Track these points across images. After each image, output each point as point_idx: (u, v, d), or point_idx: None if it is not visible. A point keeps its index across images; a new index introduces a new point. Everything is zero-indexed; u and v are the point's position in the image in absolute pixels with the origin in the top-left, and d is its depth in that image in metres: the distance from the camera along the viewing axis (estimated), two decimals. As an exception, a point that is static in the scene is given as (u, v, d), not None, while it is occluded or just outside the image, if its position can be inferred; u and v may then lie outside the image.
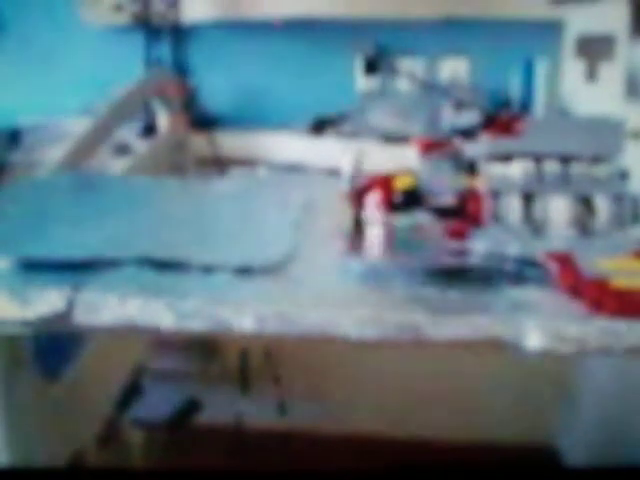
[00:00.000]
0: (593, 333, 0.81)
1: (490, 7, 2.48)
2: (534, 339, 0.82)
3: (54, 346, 1.35)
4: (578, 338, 0.81)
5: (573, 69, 2.04)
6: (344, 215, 1.09)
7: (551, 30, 2.19)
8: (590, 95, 1.94)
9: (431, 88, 2.38)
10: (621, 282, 0.87)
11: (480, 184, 1.10)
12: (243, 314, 0.85)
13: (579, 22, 2.04)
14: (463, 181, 1.11)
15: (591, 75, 1.94)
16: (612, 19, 1.82)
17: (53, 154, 1.81)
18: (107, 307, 0.87)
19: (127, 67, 2.54)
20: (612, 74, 1.84)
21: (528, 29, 2.34)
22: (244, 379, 2.15)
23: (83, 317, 0.87)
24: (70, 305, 0.87)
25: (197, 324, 0.86)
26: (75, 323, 0.88)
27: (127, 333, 1.01)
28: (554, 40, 2.19)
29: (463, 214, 1.08)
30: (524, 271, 0.95)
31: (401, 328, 0.84)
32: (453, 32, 2.48)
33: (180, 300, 0.87)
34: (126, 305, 0.87)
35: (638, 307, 0.83)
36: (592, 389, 1.72)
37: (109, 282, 0.92)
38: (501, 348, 0.83)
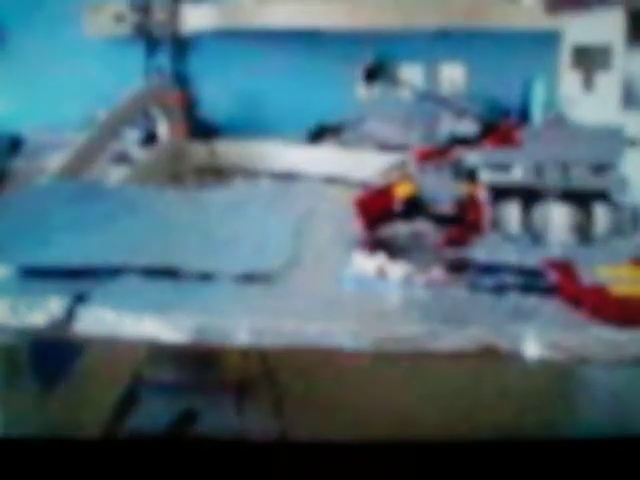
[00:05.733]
0: (593, 342, 0.81)
1: (489, 17, 2.49)
2: (532, 348, 0.81)
3: (51, 355, 1.35)
4: (577, 347, 0.81)
5: (570, 78, 2.05)
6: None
7: (549, 40, 2.21)
8: (587, 104, 1.95)
9: (430, 97, 2.39)
10: (621, 289, 0.87)
11: (479, 192, 1.10)
12: (240, 328, 0.84)
13: (575, 32, 2.05)
14: (463, 189, 1.12)
15: (588, 84, 1.95)
16: (608, 29, 1.83)
17: (54, 162, 1.81)
18: (106, 320, 0.87)
19: (128, 77, 2.54)
20: (608, 84, 1.84)
21: (527, 39, 2.35)
22: (242, 389, 2.14)
23: (81, 330, 0.87)
24: (69, 315, 0.87)
25: (195, 338, 0.85)
26: (73, 334, 0.87)
27: (125, 346, 1.00)
28: (552, 50, 2.20)
29: (463, 222, 1.09)
30: (523, 279, 0.95)
31: (397, 340, 0.83)
32: (452, 42, 2.49)
33: (179, 314, 0.86)
34: (125, 319, 0.86)
35: (639, 315, 0.83)
36: (591, 396, 1.71)
37: (108, 292, 0.92)
38: (499, 357, 0.82)
